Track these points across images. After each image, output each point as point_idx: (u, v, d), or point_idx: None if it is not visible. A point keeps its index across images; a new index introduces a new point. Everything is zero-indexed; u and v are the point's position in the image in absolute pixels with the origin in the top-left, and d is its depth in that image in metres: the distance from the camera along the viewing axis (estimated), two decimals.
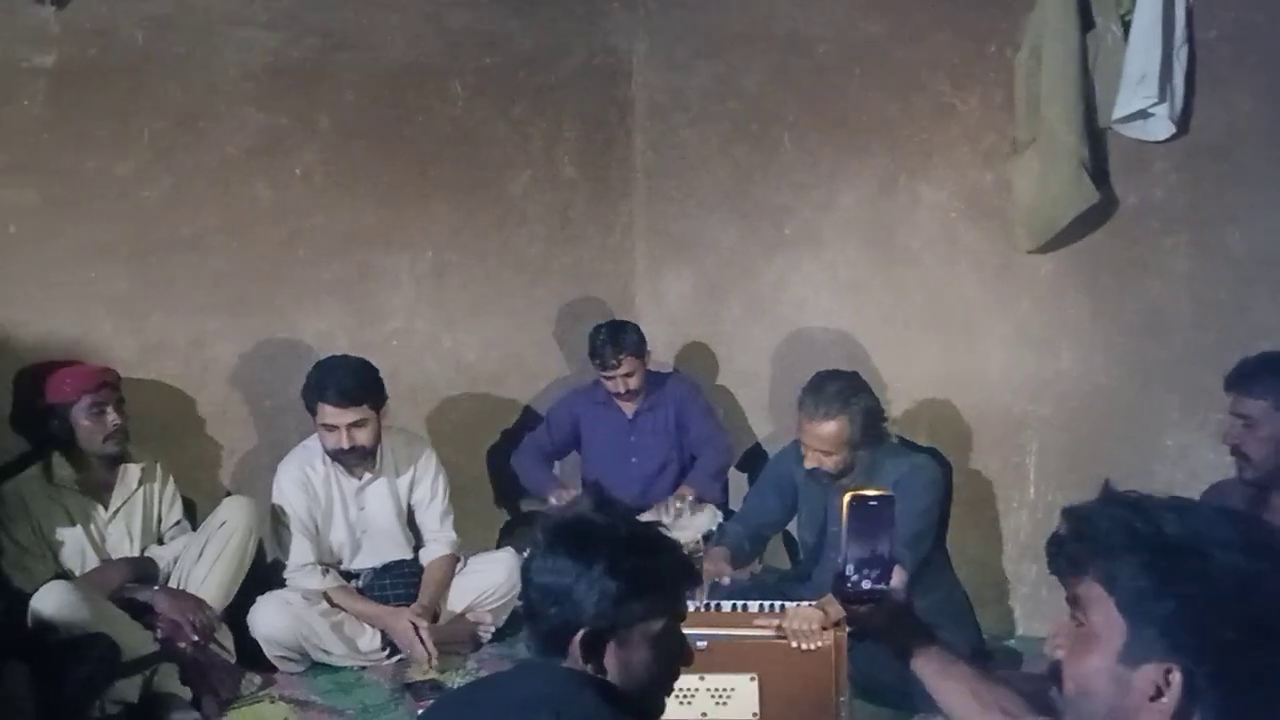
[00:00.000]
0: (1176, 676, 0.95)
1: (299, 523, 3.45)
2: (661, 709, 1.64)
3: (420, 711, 2.50)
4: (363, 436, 3.38)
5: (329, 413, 3.34)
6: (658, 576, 1.60)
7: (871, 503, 1.54)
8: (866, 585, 1.57)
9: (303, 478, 3.47)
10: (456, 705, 1.73)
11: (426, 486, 3.63)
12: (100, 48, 3.29)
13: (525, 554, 1.68)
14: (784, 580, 3.39)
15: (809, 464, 3.05)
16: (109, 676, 2.84)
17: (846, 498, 1.54)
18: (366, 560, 3.59)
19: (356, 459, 3.43)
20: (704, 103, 4.18)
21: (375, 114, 3.80)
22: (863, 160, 3.83)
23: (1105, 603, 1.01)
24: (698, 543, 3.51)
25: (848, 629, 2.77)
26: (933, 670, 1.59)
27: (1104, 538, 1.01)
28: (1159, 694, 0.96)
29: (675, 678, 1.65)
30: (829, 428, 2.99)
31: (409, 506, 3.65)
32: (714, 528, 3.61)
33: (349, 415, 3.34)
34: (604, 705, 1.50)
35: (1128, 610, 0.99)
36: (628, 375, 3.84)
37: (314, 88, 3.67)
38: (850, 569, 1.56)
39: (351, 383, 3.34)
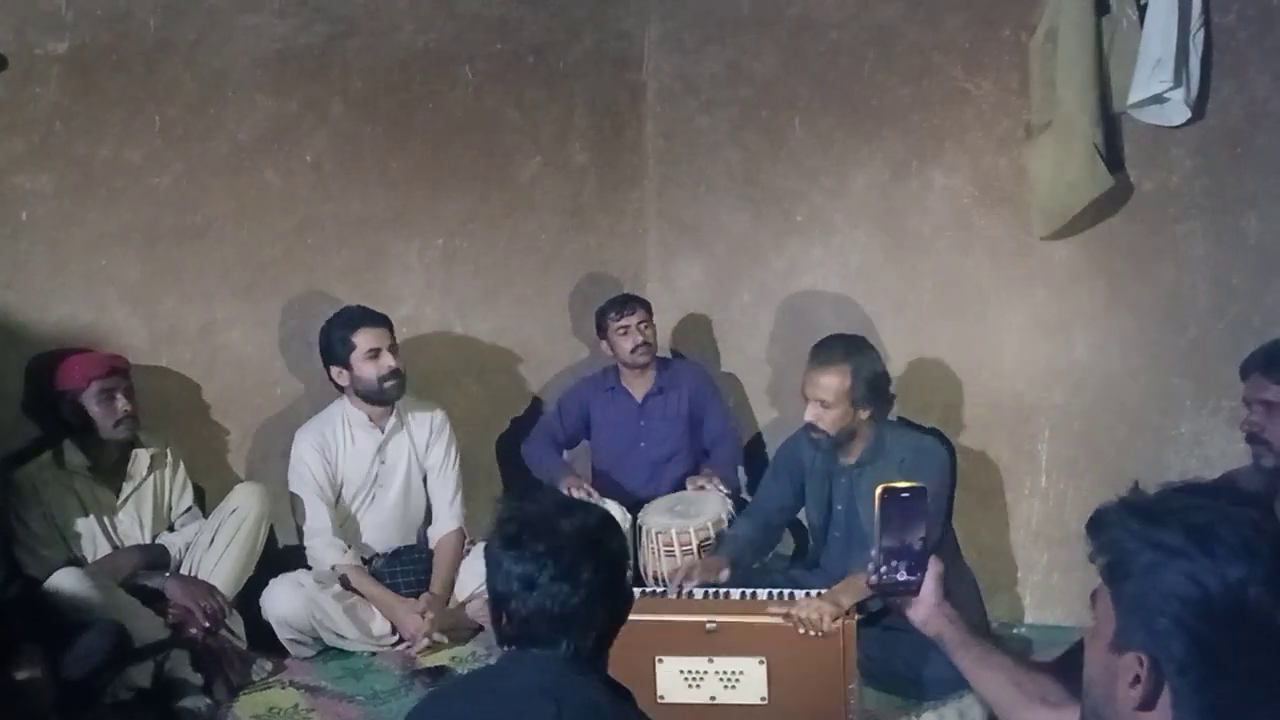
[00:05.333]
0: (1147, 663, 0.99)
1: (315, 486, 3.48)
2: None
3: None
4: (398, 359, 3.47)
5: (372, 336, 3.44)
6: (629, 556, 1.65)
7: (903, 495, 1.54)
8: (901, 577, 1.57)
9: (320, 441, 3.51)
10: (455, 695, 1.74)
11: (441, 450, 3.67)
12: (113, 34, 3.29)
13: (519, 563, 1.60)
14: (791, 567, 3.39)
15: (808, 417, 3.07)
16: (120, 663, 2.87)
17: (878, 490, 1.55)
18: (379, 514, 3.60)
19: (400, 388, 3.49)
20: (715, 88, 4.15)
21: (385, 101, 3.79)
22: (874, 146, 3.80)
23: (1105, 596, 1.05)
24: (707, 530, 3.48)
25: (857, 616, 2.78)
26: (972, 660, 1.57)
27: (1110, 539, 1.05)
28: (1137, 680, 1.00)
29: None
30: (830, 377, 3.01)
31: (423, 471, 3.67)
32: (725, 516, 3.59)
33: (388, 336, 3.47)
34: (602, 691, 1.51)
35: (1119, 602, 1.03)
36: (643, 324, 3.84)
37: (324, 74, 3.67)
38: (883, 561, 1.56)
39: (373, 309, 3.50)
